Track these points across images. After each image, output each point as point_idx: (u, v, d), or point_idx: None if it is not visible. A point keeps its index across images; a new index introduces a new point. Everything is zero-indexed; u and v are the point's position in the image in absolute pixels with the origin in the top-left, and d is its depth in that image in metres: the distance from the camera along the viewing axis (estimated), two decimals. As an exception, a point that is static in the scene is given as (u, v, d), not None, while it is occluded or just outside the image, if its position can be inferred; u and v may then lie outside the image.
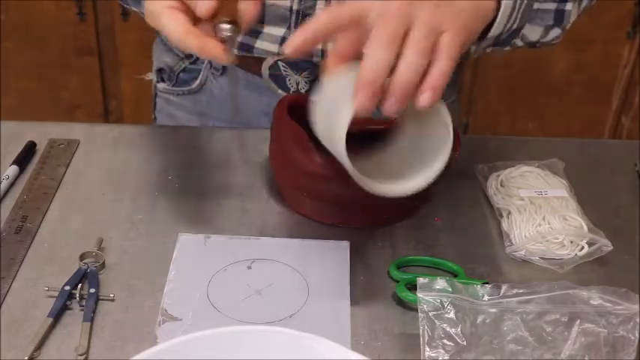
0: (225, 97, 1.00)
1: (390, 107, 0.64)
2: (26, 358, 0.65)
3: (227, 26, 0.69)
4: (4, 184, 0.85)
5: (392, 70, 0.63)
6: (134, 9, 0.88)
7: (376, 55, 0.63)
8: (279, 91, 0.96)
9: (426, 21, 0.64)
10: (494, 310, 0.67)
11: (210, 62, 0.99)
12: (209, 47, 0.69)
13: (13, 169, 0.87)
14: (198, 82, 1.02)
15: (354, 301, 0.72)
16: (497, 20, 0.72)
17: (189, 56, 1.01)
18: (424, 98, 0.63)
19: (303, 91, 0.95)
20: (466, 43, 0.68)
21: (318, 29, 0.66)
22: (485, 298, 0.69)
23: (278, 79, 0.95)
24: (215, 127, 0.99)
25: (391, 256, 0.78)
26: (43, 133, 0.94)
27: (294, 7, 0.88)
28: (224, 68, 0.98)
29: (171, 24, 0.69)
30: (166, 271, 0.75)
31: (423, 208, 0.85)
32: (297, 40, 0.66)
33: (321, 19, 0.67)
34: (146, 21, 0.73)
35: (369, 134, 0.86)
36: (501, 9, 0.72)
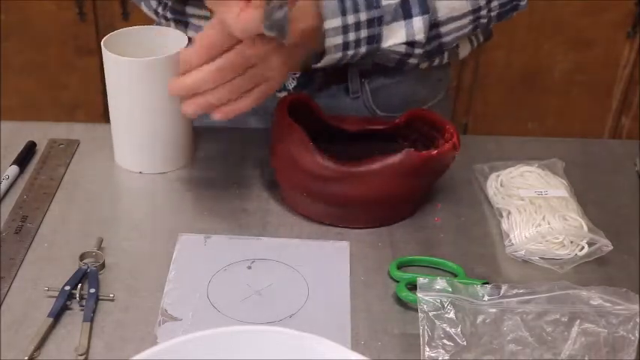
0: None
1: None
2: (26, 358, 0.65)
3: None
4: (4, 184, 0.85)
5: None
6: None
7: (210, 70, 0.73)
8: None
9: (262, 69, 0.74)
10: (494, 310, 0.67)
11: None
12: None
13: (13, 169, 0.87)
14: None
15: (354, 301, 0.72)
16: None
17: None
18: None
19: (290, 87, 0.95)
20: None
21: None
22: (485, 298, 0.69)
23: None
24: (214, 127, 0.99)
25: (391, 256, 0.78)
26: (43, 133, 0.94)
27: None
28: None
29: None
30: (166, 271, 0.75)
31: (423, 208, 0.85)
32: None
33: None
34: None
35: (369, 134, 0.86)
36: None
